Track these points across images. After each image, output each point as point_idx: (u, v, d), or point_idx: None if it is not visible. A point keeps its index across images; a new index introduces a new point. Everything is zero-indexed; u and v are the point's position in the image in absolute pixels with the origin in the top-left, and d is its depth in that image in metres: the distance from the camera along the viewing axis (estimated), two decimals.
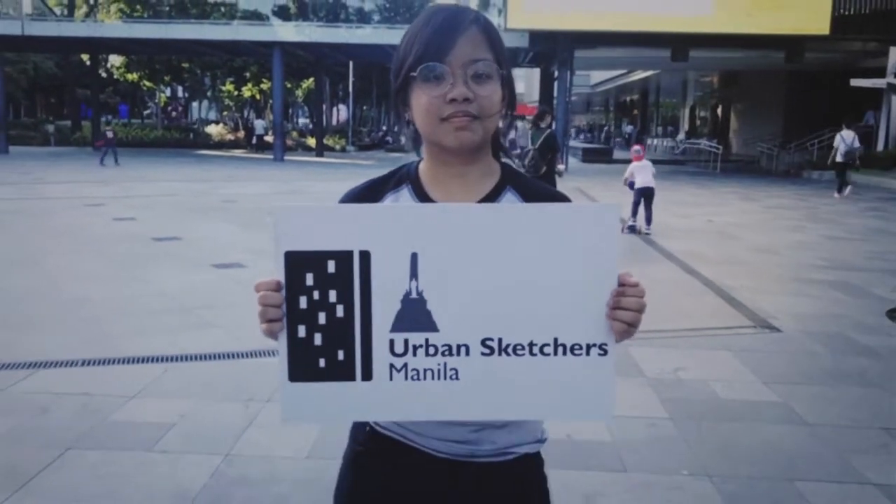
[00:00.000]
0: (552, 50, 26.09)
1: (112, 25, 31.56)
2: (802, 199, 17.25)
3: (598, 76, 51.30)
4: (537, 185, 1.33)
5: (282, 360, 1.17)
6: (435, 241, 1.12)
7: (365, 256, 1.13)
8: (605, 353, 1.15)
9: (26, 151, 29.59)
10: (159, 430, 3.68)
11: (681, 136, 42.68)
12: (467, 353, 1.14)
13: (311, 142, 35.85)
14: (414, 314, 1.13)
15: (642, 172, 11.06)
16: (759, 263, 8.77)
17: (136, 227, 10.45)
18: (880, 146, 24.87)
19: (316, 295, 1.14)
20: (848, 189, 17.37)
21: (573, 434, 3.75)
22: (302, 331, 1.15)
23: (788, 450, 3.66)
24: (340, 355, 1.15)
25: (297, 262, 1.14)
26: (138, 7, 38.43)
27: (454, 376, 1.15)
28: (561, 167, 10.31)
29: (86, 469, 3.30)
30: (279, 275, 1.15)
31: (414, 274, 1.12)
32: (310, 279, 1.14)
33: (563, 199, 1.30)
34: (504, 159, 1.36)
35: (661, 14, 22.71)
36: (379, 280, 1.13)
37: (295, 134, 40.18)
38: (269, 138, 34.51)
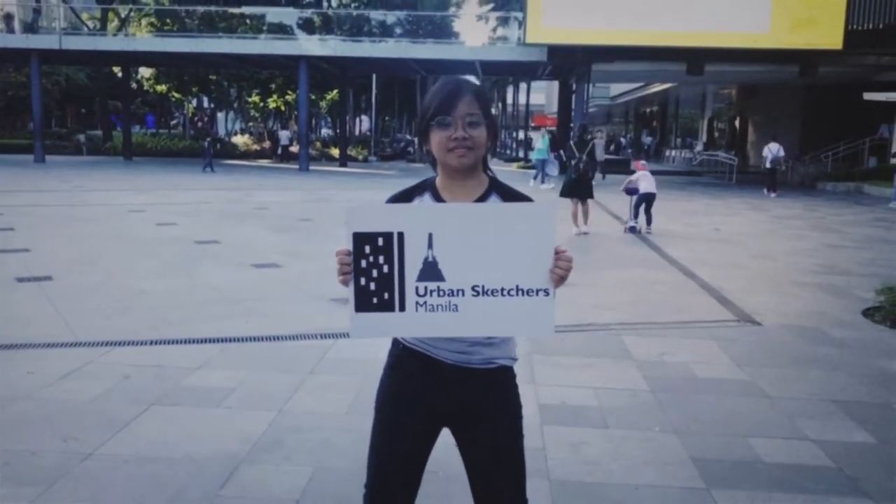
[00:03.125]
0: (570, 64, 26.81)
1: (145, 40, 32.72)
2: (811, 209, 17.81)
3: (617, 88, 51.92)
4: (511, 190, 2.07)
5: (351, 299, 1.90)
6: (443, 226, 1.85)
7: (401, 235, 1.85)
8: (548, 294, 1.85)
9: (61, 160, 30.76)
10: (223, 392, 4.46)
11: (698, 147, 43.12)
12: (463, 295, 1.86)
13: (335, 152, 36.80)
14: (430, 270, 1.86)
15: (645, 180, 12.55)
16: (755, 268, 9.43)
17: (179, 232, 11.31)
18: (894, 159, 25.29)
19: (371, 259, 1.87)
20: (776, 193, 21.36)
21: (566, 400, 4.47)
22: (362, 281, 1.89)
23: (748, 415, 4.36)
24: (386, 296, 1.88)
25: (359, 239, 1.87)
26: (168, 21, 39.67)
27: (455, 309, 1.87)
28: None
29: (168, 419, 4.08)
30: (349, 246, 1.89)
31: (430, 245, 1.85)
32: (367, 249, 1.87)
33: (526, 198, 2.03)
34: (491, 174, 2.12)
35: (676, 30, 23.33)
36: (409, 249, 1.86)
37: (318, 144, 41.17)
38: (293, 149, 35.48)
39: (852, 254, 10.82)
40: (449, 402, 2.06)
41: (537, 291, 1.82)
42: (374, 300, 1.87)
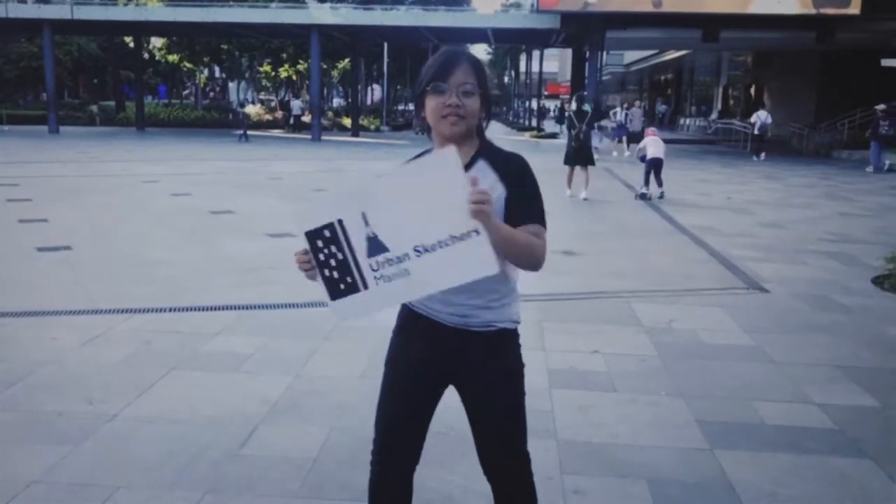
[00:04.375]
0: (583, 31, 26.58)
1: (157, 9, 32.62)
2: (826, 177, 17.73)
3: (631, 56, 51.36)
4: (498, 151, 2.11)
5: (323, 291, 2.01)
6: (370, 203, 1.90)
7: (341, 222, 1.94)
8: (479, 233, 1.85)
9: (74, 131, 30.96)
10: (241, 358, 4.59)
11: (713, 115, 42.74)
12: (409, 258, 1.92)
13: (347, 122, 36.78)
14: (375, 245, 1.93)
15: (654, 145, 12.92)
16: (766, 236, 9.46)
17: (193, 202, 11.44)
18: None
19: (326, 251, 1.97)
20: (763, 155, 23.11)
21: (575, 366, 4.58)
22: (326, 272, 2.00)
23: (753, 380, 4.45)
24: (349, 279, 1.98)
25: (311, 236, 1.97)
26: None
27: (407, 273, 1.93)
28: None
29: (189, 382, 4.22)
30: (306, 245, 1.98)
31: (367, 223, 1.91)
32: (320, 243, 1.97)
33: (515, 156, 2.08)
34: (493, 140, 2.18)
35: None
36: (351, 232, 1.94)
37: (330, 114, 41.13)
38: (305, 118, 35.48)
39: (864, 222, 10.82)
40: (451, 361, 2.15)
41: (469, 233, 1.84)
42: (342, 286, 1.99)
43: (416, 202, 1.85)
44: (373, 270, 1.94)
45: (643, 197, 12.73)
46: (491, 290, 2.08)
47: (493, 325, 2.13)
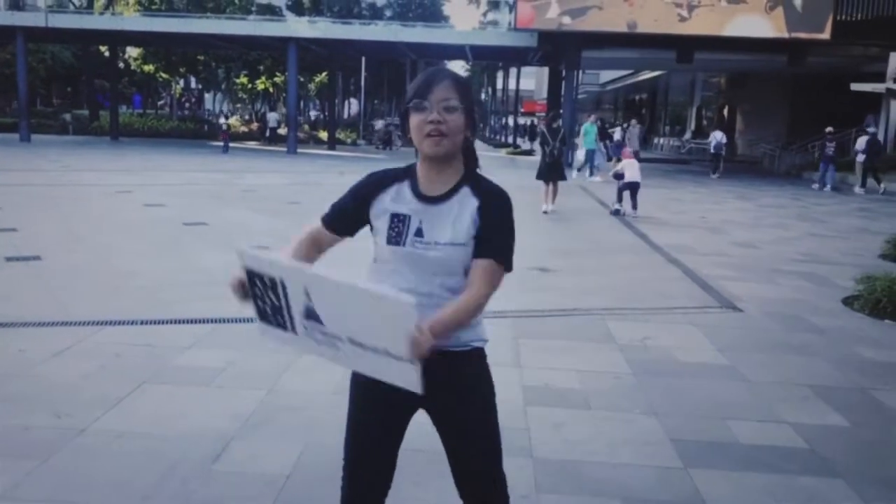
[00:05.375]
0: (560, 50, 26.84)
1: (132, 19, 32.45)
2: (797, 198, 18.00)
3: (607, 75, 51.95)
4: (485, 182, 2.08)
5: (252, 310, 1.97)
6: (315, 288, 1.85)
7: (283, 281, 1.89)
8: (412, 363, 1.83)
9: (47, 140, 30.57)
10: (214, 372, 4.53)
11: (687, 135, 43.29)
12: (341, 341, 1.89)
13: (323, 135, 36.72)
14: (311, 314, 1.89)
15: (631, 168, 13.17)
16: (739, 256, 9.56)
17: (167, 213, 11.32)
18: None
19: (262, 291, 1.94)
20: (719, 172, 24.21)
21: (550, 383, 4.58)
22: (259, 304, 1.96)
23: (727, 399, 4.48)
24: (280, 319, 1.95)
25: (250, 273, 1.93)
26: (156, 0, 39.33)
27: (337, 348, 1.91)
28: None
29: (160, 397, 4.15)
30: (241, 274, 1.93)
31: (308, 297, 1.87)
32: (258, 283, 1.93)
33: (500, 192, 2.05)
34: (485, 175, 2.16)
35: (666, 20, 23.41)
36: (291, 295, 1.90)
37: (307, 127, 41.03)
38: (281, 131, 35.37)
39: (834, 243, 10.98)
40: (424, 384, 2.08)
41: (404, 359, 1.82)
42: (272, 321, 1.97)
43: (358, 315, 1.83)
44: (304, 328, 1.92)
45: (617, 213, 13.07)
46: None
47: (469, 344, 2.10)
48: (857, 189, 20.36)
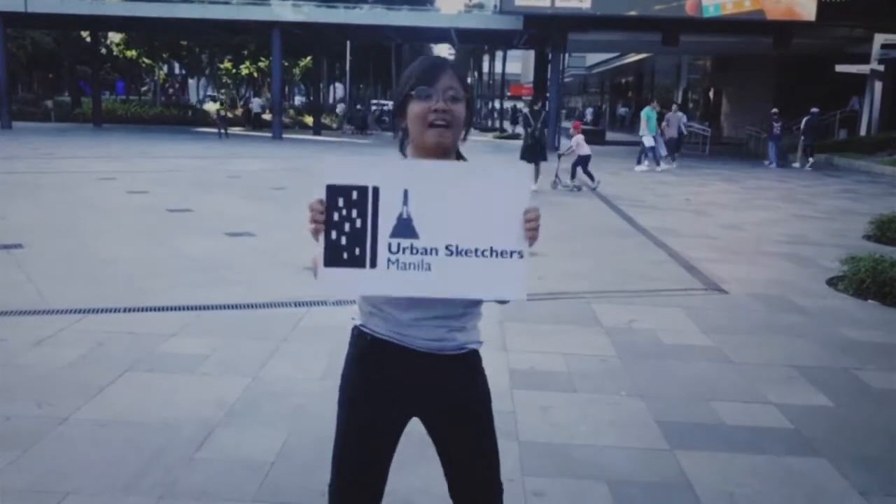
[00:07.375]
0: (546, 33, 26.72)
1: (114, 4, 31.94)
2: (782, 181, 18.05)
3: (593, 58, 51.83)
4: None
5: (321, 253, 1.86)
6: (419, 183, 1.81)
7: (376, 190, 1.82)
8: (522, 256, 1.82)
9: (28, 127, 30.18)
10: (198, 359, 4.50)
11: None
12: (436, 254, 1.82)
13: (308, 120, 36.46)
14: (404, 227, 1.82)
15: (583, 143, 14.75)
16: (724, 238, 9.58)
17: (150, 200, 11.22)
18: (863, 131, 25.66)
19: (344, 212, 1.83)
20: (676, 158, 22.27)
21: (535, 366, 4.58)
22: (334, 235, 1.84)
23: (711, 380, 4.49)
24: (357, 251, 1.83)
25: (333, 191, 1.82)
26: None
27: (428, 268, 1.83)
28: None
29: (143, 385, 4.12)
30: (323, 197, 1.83)
31: (405, 202, 1.81)
32: (341, 202, 1.82)
33: None
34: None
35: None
36: (384, 205, 1.81)
37: (292, 112, 40.74)
38: (266, 116, 35.11)
39: (818, 224, 11.02)
40: (421, 391, 2.00)
41: (511, 253, 1.79)
42: (345, 255, 1.82)
43: (466, 201, 1.76)
44: (390, 252, 1.79)
45: (578, 189, 14.30)
46: (469, 311, 1.99)
47: (466, 346, 2.02)
48: (795, 164, 22.49)
